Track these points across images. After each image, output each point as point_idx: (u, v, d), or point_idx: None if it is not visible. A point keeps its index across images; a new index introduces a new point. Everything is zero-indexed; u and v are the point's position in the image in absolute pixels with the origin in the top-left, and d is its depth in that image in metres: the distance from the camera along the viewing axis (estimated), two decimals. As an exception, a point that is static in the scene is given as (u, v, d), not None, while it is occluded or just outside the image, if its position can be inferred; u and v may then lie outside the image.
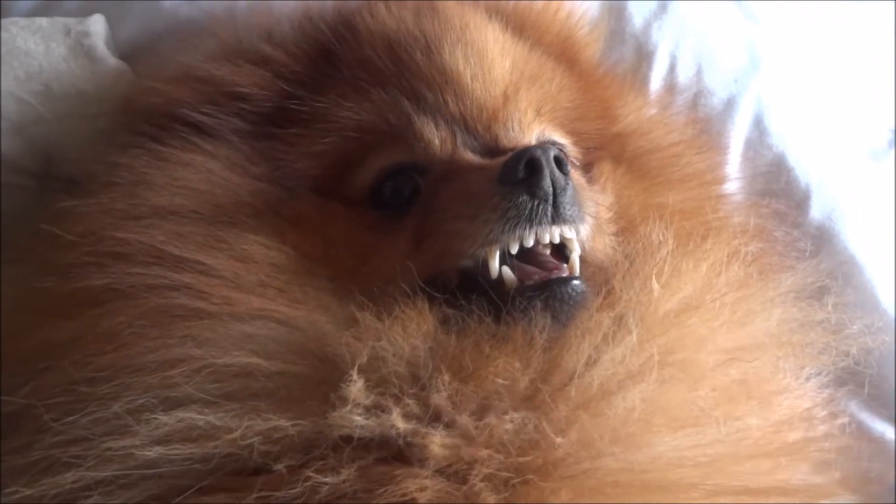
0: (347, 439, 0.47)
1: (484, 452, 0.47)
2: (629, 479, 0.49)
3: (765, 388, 0.59)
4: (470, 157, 0.59)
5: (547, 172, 0.53)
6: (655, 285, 0.55)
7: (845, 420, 0.69)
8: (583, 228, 0.57)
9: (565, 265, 0.55)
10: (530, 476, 0.47)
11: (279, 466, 0.46)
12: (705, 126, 0.82)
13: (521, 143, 0.61)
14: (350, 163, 0.61)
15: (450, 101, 0.61)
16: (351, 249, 0.57)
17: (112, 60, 0.70)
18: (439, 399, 0.48)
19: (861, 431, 0.77)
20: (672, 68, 0.84)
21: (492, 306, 0.52)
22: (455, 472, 0.47)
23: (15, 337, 0.56)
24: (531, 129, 0.62)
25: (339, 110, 0.62)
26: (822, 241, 0.81)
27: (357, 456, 0.47)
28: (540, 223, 0.54)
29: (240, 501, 0.46)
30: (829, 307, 0.64)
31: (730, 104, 0.84)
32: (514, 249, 0.53)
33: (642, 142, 0.71)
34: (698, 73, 0.85)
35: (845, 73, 1.12)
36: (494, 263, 0.53)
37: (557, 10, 0.74)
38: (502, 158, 0.56)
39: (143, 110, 0.64)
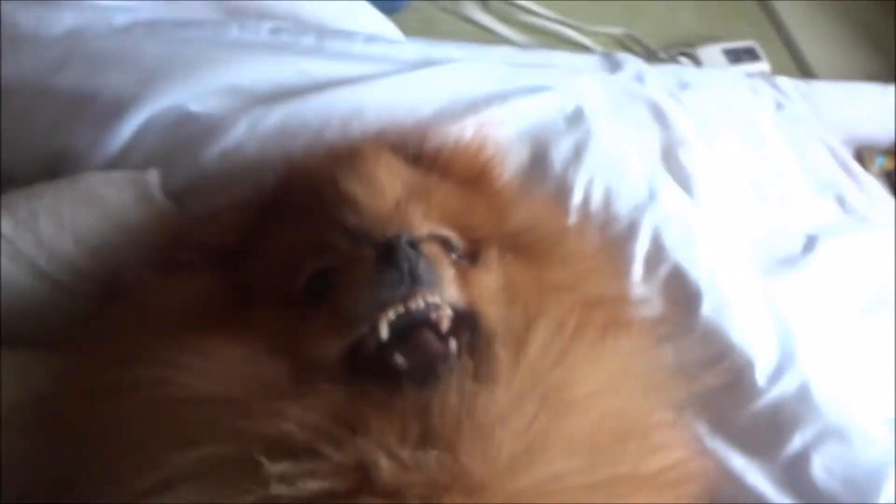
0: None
1: (417, 479, 0.60)
2: (531, 495, 0.62)
3: (637, 424, 0.72)
4: (364, 250, 0.74)
5: (401, 251, 0.69)
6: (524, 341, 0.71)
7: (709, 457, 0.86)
8: (447, 291, 0.72)
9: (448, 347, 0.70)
10: (454, 496, 0.61)
11: None
12: (612, 244, 1.04)
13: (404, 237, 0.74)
14: (289, 274, 0.78)
15: (350, 216, 0.77)
16: (288, 338, 0.72)
17: (164, 203, 0.93)
18: (355, 451, 0.62)
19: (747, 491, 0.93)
20: (586, 200, 1.06)
21: (386, 382, 0.67)
22: (397, 497, 0.60)
23: (57, 415, 0.73)
24: (421, 227, 0.78)
25: (279, 238, 0.81)
26: (707, 332, 1.00)
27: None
28: (401, 287, 0.68)
29: None
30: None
31: (632, 226, 1.05)
32: (392, 315, 0.69)
33: (530, 235, 0.87)
34: (606, 204, 1.06)
35: (751, 190, 1.36)
36: (383, 327, 0.69)
37: (463, 149, 0.94)
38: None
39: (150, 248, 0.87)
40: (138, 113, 0.99)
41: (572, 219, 1.04)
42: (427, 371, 0.68)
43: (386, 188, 0.81)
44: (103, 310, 0.85)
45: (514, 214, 0.91)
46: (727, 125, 1.42)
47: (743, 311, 1.05)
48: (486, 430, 0.64)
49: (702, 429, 0.96)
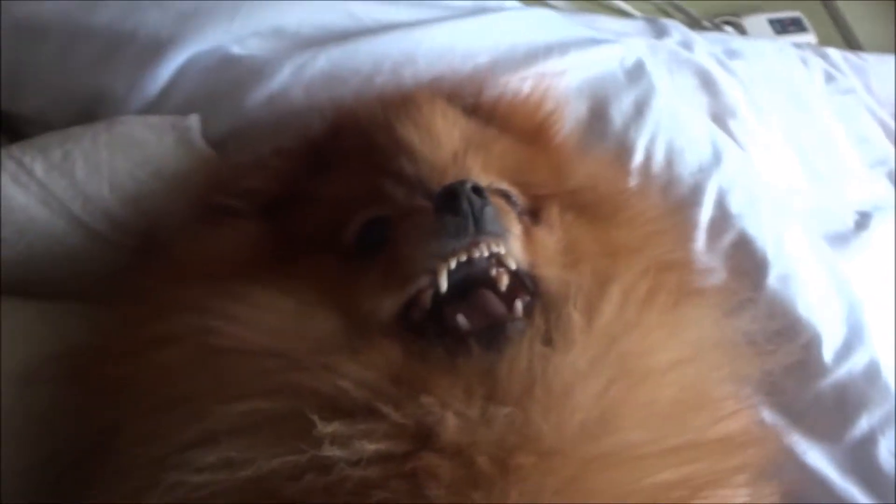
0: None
1: (485, 437, 0.57)
2: (602, 464, 0.58)
3: (709, 396, 0.68)
4: (421, 201, 0.70)
5: (464, 196, 0.64)
6: (602, 304, 0.66)
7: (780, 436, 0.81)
8: (512, 244, 0.67)
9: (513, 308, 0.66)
10: (524, 461, 0.56)
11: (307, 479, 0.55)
12: (676, 207, 0.97)
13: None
14: (340, 224, 0.74)
15: (405, 165, 0.74)
16: (340, 291, 0.68)
17: (206, 150, 0.88)
18: (416, 412, 0.58)
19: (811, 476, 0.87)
20: (648, 159, 1.00)
21: (449, 343, 0.63)
22: (462, 456, 0.57)
23: (93, 368, 0.69)
24: (480, 180, 0.72)
25: (329, 186, 0.77)
26: (775, 305, 0.94)
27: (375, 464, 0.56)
28: (465, 237, 0.64)
29: None
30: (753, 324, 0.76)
31: (696, 189, 0.99)
32: (453, 264, 0.64)
33: (591, 194, 0.82)
34: (669, 164, 1.00)
35: (811, 161, 1.29)
36: (443, 278, 0.64)
37: (524, 103, 0.88)
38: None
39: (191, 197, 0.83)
40: (177, 54, 0.94)
41: (633, 179, 0.98)
42: (494, 334, 0.63)
43: (443, 137, 0.76)
44: (141, 261, 0.81)
45: (575, 173, 0.86)
46: (777, 96, 1.36)
47: (809, 283, 0.99)
48: (559, 393, 0.60)
49: (762, 406, 0.91)
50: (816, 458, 0.90)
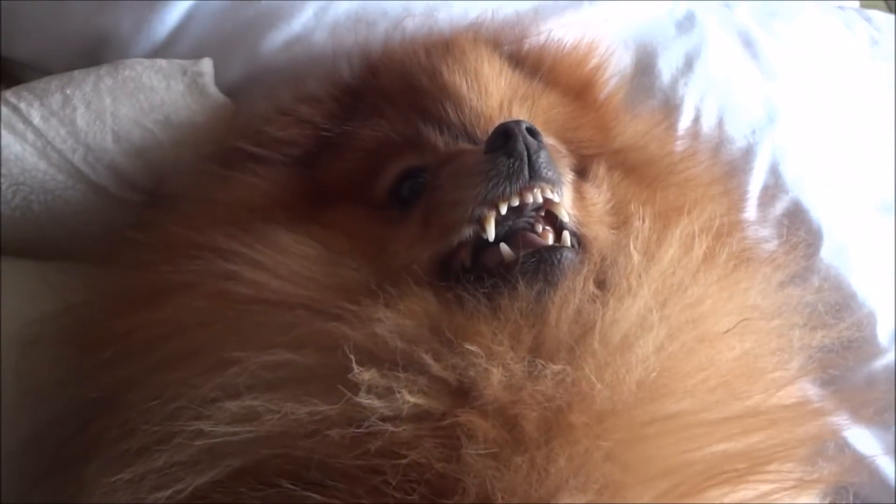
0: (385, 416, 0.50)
1: (532, 395, 0.51)
2: (658, 429, 0.52)
3: (764, 364, 0.62)
4: (466, 146, 0.64)
5: (520, 137, 0.58)
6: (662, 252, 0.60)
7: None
8: (565, 193, 0.61)
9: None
10: (573, 422, 0.50)
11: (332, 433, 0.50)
12: (727, 168, 0.88)
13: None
14: (372, 173, 0.68)
15: (450, 111, 0.68)
16: (371, 242, 0.63)
17: (220, 97, 0.79)
18: (459, 364, 0.52)
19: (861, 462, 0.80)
20: (697, 119, 0.91)
21: (494, 283, 0.56)
22: (505, 416, 0.51)
23: (95, 325, 0.64)
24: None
25: (361, 132, 0.70)
26: (828, 277, 0.87)
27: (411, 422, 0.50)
28: (519, 180, 0.58)
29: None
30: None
31: (748, 152, 0.90)
32: (504, 209, 0.58)
33: (640, 154, 0.76)
34: (720, 124, 0.91)
35: (858, 128, 1.20)
36: (490, 226, 0.58)
37: (570, 54, 0.81)
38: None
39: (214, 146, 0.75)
40: (188, -7, 0.84)
41: (681, 139, 0.89)
42: (542, 260, 0.57)
43: (491, 85, 0.70)
44: (149, 216, 0.73)
45: (622, 132, 0.78)
46: (818, 60, 1.26)
47: (865, 258, 0.90)
48: (617, 345, 0.54)
49: (813, 383, 0.84)
50: (866, 442, 0.83)
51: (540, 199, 0.59)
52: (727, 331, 0.60)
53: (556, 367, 0.52)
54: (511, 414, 0.51)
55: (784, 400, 0.61)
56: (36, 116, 0.74)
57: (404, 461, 0.49)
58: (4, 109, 0.74)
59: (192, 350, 0.57)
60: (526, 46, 0.80)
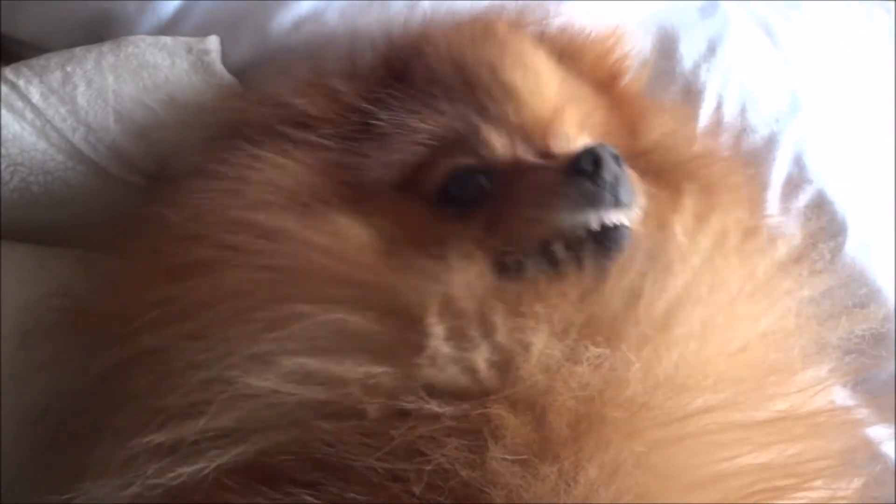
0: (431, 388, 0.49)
1: (566, 384, 0.49)
2: (693, 427, 0.50)
3: (795, 365, 0.60)
4: (532, 158, 0.63)
5: (608, 165, 0.57)
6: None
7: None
8: (634, 214, 0.61)
9: None
10: (605, 416, 0.48)
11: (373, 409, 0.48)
12: (749, 158, 0.85)
13: (569, 150, 0.65)
14: (422, 167, 0.65)
15: (511, 112, 0.65)
16: (427, 237, 0.60)
17: (227, 76, 0.75)
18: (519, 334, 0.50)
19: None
20: (719, 106, 0.86)
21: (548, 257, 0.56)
22: (535, 412, 0.48)
23: (109, 302, 0.61)
24: (575, 139, 0.66)
25: (412, 123, 0.66)
26: (854, 271, 0.83)
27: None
28: (602, 209, 0.58)
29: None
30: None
31: (771, 142, 0.86)
32: (581, 233, 0.58)
33: (666, 156, 0.73)
34: (742, 111, 0.86)
35: (883, 121, 1.15)
36: (559, 247, 0.57)
37: (597, 44, 0.77)
38: (566, 155, 0.61)
39: (241, 122, 0.69)
40: (192, -30, 0.80)
41: (707, 137, 0.84)
42: (609, 235, 0.58)
43: (547, 87, 0.68)
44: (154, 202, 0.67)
45: (648, 131, 0.75)
46: (839, 50, 1.21)
47: (889, 252, 0.86)
48: (660, 317, 0.53)
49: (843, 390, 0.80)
50: (891, 444, 0.78)
51: (617, 222, 0.59)
52: (759, 324, 0.58)
53: (597, 350, 0.50)
54: (541, 406, 0.48)
55: (822, 405, 0.58)
56: (35, 94, 0.70)
57: (428, 467, 0.46)
58: (3, 87, 0.70)
59: (243, 310, 0.54)
60: (548, 31, 0.76)
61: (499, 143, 0.64)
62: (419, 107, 0.67)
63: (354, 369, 0.49)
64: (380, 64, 0.72)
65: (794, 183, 0.86)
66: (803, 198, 0.86)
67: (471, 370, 0.50)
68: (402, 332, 0.51)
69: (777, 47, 1.05)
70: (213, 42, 0.76)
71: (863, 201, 0.88)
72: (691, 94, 0.87)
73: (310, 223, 0.59)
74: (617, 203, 0.58)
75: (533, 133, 0.65)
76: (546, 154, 0.65)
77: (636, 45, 0.82)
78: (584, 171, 0.58)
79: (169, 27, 0.81)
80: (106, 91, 0.71)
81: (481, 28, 0.72)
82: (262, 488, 0.47)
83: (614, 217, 0.58)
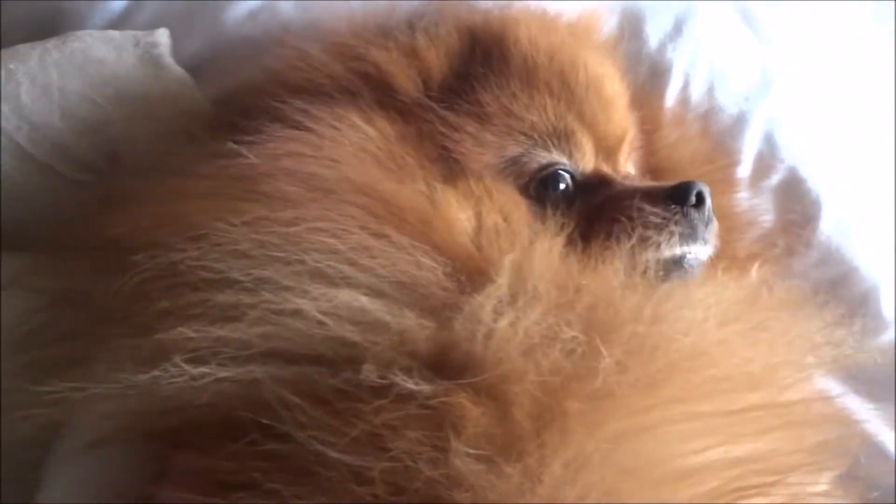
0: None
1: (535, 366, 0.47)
2: (655, 416, 0.49)
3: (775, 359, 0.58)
4: (612, 173, 0.67)
5: (708, 202, 0.63)
6: None
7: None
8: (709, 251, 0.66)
9: None
10: (567, 409, 0.46)
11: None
12: (718, 140, 0.83)
13: (624, 171, 0.70)
14: (514, 155, 0.65)
15: (601, 123, 0.67)
16: (523, 227, 0.60)
17: (177, 69, 0.73)
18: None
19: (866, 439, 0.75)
20: (685, 86, 0.84)
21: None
22: (498, 401, 0.47)
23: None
24: (627, 161, 0.70)
25: (515, 109, 0.66)
26: (828, 250, 0.81)
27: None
28: (695, 242, 0.63)
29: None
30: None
31: (740, 120, 0.84)
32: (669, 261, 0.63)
33: (671, 172, 0.75)
34: (710, 90, 0.85)
35: (859, 97, 1.13)
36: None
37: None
38: (668, 184, 0.65)
39: (313, 78, 0.65)
40: (143, -40, 0.78)
41: (669, 106, 0.83)
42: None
43: (621, 98, 0.71)
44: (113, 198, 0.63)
45: (661, 145, 0.78)
46: (815, 25, 1.19)
47: (867, 229, 0.84)
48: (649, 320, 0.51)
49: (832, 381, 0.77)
50: (877, 425, 0.76)
51: (702, 257, 0.64)
52: (737, 320, 0.56)
53: (571, 333, 0.49)
54: (504, 396, 0.46)
55: (800, 395, 0.57)
56: (-24, 93, 0.68)
57: (389, 464, 0.44)
58: (-56, 86, 0.68)
59: (326, 231, 0.53)
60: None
61: (588, 151, 0.67)
62: (520, 94, 0.67)
63: (401, 320, 0.48)
64: (462, 41, 0.70)
65: (767, 161, 0.84)
66: (776, 177, 0.84)
67: (491, 336, 0.48)
68: (464, 291, 0.50)
69: (750, 23, 1.03)
70: (161, 35, 0.74)
71: (838, 178, 0.86)
72: (657, 75, 0.85)
73: (407, 188, 0.58)
74: (705, 240, 0.64)
75: (609, 148, 0.68)
76: (616, 171, 0.68)
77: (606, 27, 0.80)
78: (689, 203, 0.63)
79: (120, 22, 0.80)
80: (51, 88, 0.69)
81: (583, 29, 0.74)
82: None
83: (702, 253, 0.63)
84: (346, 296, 0.49)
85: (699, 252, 0.64)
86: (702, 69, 0.86)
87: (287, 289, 0.49)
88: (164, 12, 0.79)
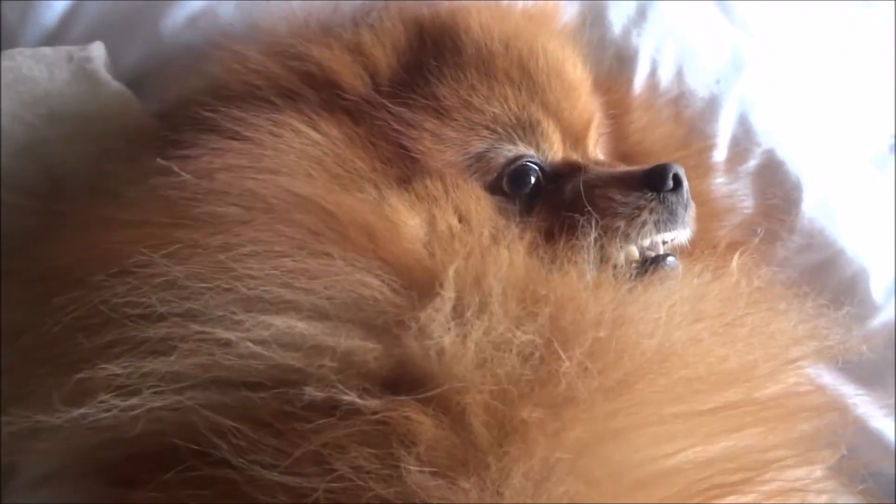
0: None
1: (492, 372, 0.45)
2: (621, 422, 0.46)
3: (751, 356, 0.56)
4: (581, 160, 0.64)
5: (685, 184, 0.60)
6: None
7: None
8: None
9: None
10: (526, 418, 0.44)
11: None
12: (691, 124, 0.80)
13: (594, 157, 0.67)
14: (479, 151, 0.62)
15: (566, 110, 0.64)
16: (481, 222, 0.57)
17: (114, 84, 0.69)
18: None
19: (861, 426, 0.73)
20: (653, 71, 0.81)
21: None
22: (453, 413, 0.44)
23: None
24: (595, 147, 0.67)
25: (475, 102, 0.63)
26: (812, 234, 0.78)
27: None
28: (674, 226, 0.60)
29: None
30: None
31: (713, 103, 0.81)
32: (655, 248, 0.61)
33: (643, 157, 0.72)
34: (679, 74, 0.81)
35: (838, 78, 1.10)
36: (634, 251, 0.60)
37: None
38: (643, 168, 0.62)
39: (252, 81, 0.62)
40: (75, -29, 0.74)
41: (637, 91, 0.80)
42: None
43: (584, 85, 0.68)
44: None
45: (628, 130, 0.75)
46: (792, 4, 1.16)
47: (852, 210, 0.80)
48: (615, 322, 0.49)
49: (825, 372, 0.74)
50: (868, 407, 0.74)
51: (681, 240, 0.62)
52: (714, 317, 0.54)
53: (527, 335, 0.46)
54: (459, 407, 0.43)
55: (781, 389, 0.54)
56: None
57: (336, 483, 0.41)
58: None
59: (261, 255, 0.50)
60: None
61: (556, 140, 0.64)
62: (479, 85, 0.63)
63: (345, 341, 0.46)
64: (410, 33, 0.66)
65: (742, 145, 0.81)
66: (753, 161, 0.81)
67: (443, 352, 0.46)
68: (414, 306, 0.48)
69: (723, 9, 1.00)
70: (96, 49, 0.70)
71: (818, 159, 0.83)
72: (623, 61, 0.81)
73: (352, 198, 0.54)
74: (683, 223, 0.61)
75: (577, 135, 0.65)
76: (585, 157, 0.65)
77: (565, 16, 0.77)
78: (666, 188, 0.59)
79: (55, 36, 0.76)
80: (-22, 110, 0.64)
81: (539, 15, 0.71)
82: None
83: (683, 236, 0.60)
84: (281, 322, 0.46)
85: (680, 236, 0.62)
86: (669, 53, 0.83)
87: (217, 320, 0.46)
88: (99, 22, 0.76)
